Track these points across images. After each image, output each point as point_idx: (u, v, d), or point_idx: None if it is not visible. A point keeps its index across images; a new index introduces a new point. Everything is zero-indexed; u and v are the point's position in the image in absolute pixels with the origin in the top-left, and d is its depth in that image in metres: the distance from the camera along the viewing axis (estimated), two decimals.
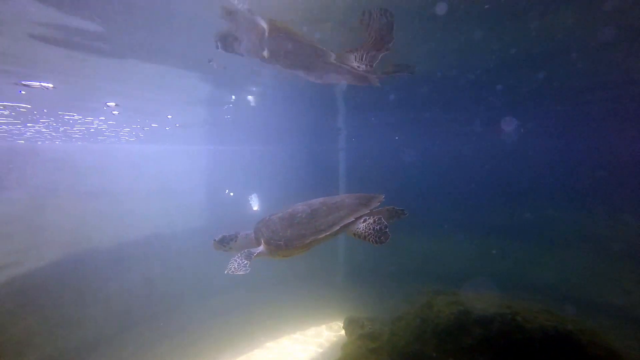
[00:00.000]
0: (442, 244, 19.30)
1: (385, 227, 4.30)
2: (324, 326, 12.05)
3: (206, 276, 12.31)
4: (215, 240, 4.57)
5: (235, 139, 27.21)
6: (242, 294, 13.26)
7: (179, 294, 13.20)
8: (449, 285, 9.73)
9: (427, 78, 9.66)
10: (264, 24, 4.15)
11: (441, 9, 4.76)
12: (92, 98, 10.49)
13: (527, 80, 10.75)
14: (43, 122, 12.68)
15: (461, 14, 5.06)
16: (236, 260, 4.13)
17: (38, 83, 8.36)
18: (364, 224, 4.39)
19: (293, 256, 4.43)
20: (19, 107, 10.26)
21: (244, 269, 4.03)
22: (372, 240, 4.25)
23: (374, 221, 4.37)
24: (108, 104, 11.32)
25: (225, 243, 4.54)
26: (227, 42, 4.24)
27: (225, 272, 4.02)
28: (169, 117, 14.66)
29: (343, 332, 10.10)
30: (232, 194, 31.48)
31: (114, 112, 11.99)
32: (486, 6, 4.80)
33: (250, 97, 11.62)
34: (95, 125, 14.61)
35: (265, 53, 4.64)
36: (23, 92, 8.90)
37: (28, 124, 13.03)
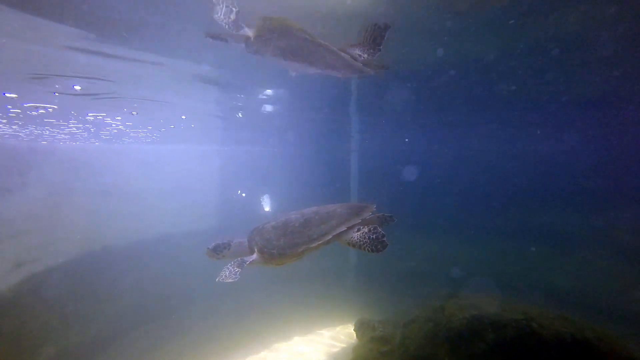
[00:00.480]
0: (456, 246, 19.06)
1: (383, 235, 4.38)
2: (334, 328, 12.03)
3: (217, 276, 12.43)
4: (208, 248, 4.58)
5: (248, 140, 27.44)
6: (254, 294, 13.34)
7: (190, 292, 13.35)
8: (461, 288, 9.61)
9: (440, 76, 9.57)
10: (250, 33, 4.18)
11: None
12: (115, 102, 10.81)
13: (546, 83, 10.54)
14: (72, 124, 13.01)
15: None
16: (228, 269, 4.22)
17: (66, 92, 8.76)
18: (358, 233, 4.48)
19: (286, 264, 4.51)
20: (49, 107, 10.53)
21: (233, 276, 4.13)
22: (368, 249, 4.34)
23: (369, 230, 4.46)
24: (132, 109, 11.71)
25: (219, 251, 4.57)
26: (214, 38, 4.28)
27: (217, 279, 4.11)
28: (183, 117, 14.88)
29: (354, 334, 10.06)
30: (244, 194, 31.71)
31: (132, 113, 12.24)
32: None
33: (266, 105, 11.71)
34: (115, 127, 14.94)
35: (254, 49, 4.67)
36: (56, 94, 9.15)
37: (61, 126, 13.40)
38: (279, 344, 11.35)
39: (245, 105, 12.64)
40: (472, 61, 8.20)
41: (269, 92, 10.63)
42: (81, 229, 15.87)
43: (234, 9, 3.82)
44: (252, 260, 4.40)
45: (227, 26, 3.92)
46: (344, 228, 4.47)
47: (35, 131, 13.79)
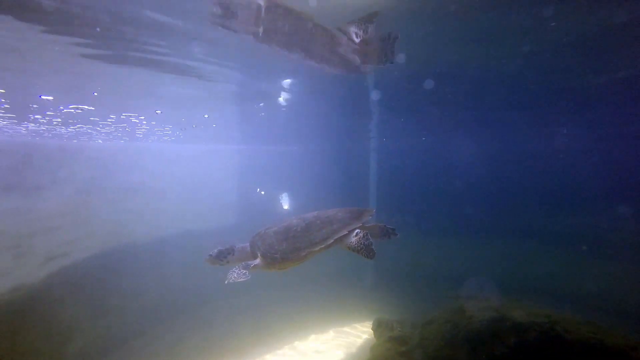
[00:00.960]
0: (478, 247, 18.64)
1: (371, 243, 4.46)
2: (352, 327, 11.99)
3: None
4: (211, 255, 4.60)
5: (268, 139, 27.70)
6: (272, 291, 13.47)
7: (210, 289, 13.61)
8: (482, 290, 9.39)
9: (462, 75, 9.38)
10: (260, 1, 4.24)
11: None
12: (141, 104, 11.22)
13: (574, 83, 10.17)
14: (104, 123, 13.51)
15: None
16: (235, 271, 4.30)
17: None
18: (356, 238, 4.54)
19: (288, 269, 4.57)
20: (86, 108, 10.96)
21: (244, 276, 4.20)
22: (363, 255, 4.41)
23: (364, 236, 4.53)
24: (156, 111, 12.11)
25: (222, 257, 4.61)
26: (224, 8, 4.33)
27: (226, 282, 4.17)
28: (206, 116, 15.19)
29: (372, 333, 10.01)
30: (263, 192, 32.05)
31: (157, 112, 12.60)
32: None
33: (281, 99, 11.78)
34: (141, 126, 15.41)
35: (260, 30, 4.72)
36: (96, 94, 9.50)
37: (98, 126, 13.95)
38: (297, 342, 11.41)
39: (265, 103, 12.77)
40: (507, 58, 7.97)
41: (286, 84, 10.66)
42: (107, 225, 16.43)
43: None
44: (255, 265, 4.46)
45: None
46: (345, 232, 4.56)
47: (69, 130, 14.36)
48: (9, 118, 11.31)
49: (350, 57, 6.21)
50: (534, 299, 9.29)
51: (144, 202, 19.62)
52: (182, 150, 26.86)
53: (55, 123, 12.62)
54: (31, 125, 12.97)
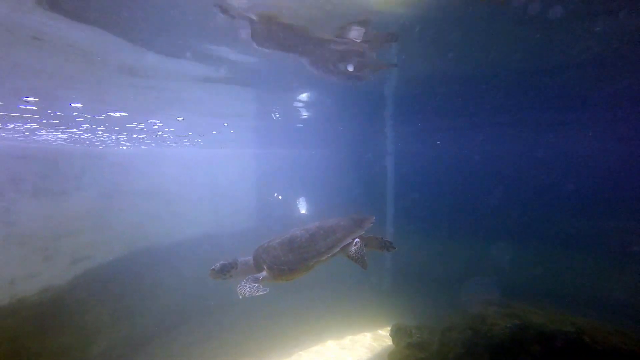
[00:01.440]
0: (500, 252, 18.17)
1: (364, 254, 4.57)
2: (369, 332, 11.89)
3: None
4: (214, 269, 4.55)
5: (284, 144, 27.84)
6: (289, 296, 13.49)
7: (227, 292, 13.74)
8: (503, 296, 9.14)
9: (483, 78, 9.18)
10: (253, 16, 4.35)
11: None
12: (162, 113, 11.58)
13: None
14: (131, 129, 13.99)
15: None
16: (246, 285, 4.31)
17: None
18: (355, 247, 4.62)
19: (295, 279, 4.60)
20: (119, 114, 11.36)
21: (262, 290, 4.23)
22: (359, 265, 4.50)
23: (360, 246, 4.63)
24: (178, 118, 12.47)
25: (225, 271, 4.59)
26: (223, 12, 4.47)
27: (240, 297, 4.17)
28: (225, 124, 15.44)
29: (390, 339, 9.89)
30: (280, 197, 32.22)
31: (178, 119, 12.90)
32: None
33: (299, 105, 11.89)
34: (160, 134, 15.81)
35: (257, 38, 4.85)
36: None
37: (120, 133, 14.46)
38: (314, 346, 11.40)
39: (280, 110, 12.89)
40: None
41: (303, 96, 10.77)
42: (128, 228, 16.87)
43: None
44: (263, 277, 4.47)
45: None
46: (350, 240, 4.63)
47: (96, 136, 14.85)
48: (50, 125, 11.76)
49: (349, 64, 6.28)
50: (559, 305, 8.96)
51: (163, 206, 20.04)
52: (201, 155, 27.33)
53: (86, 129, 13.07)
54: (61, 133, 13.46)
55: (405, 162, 40.80)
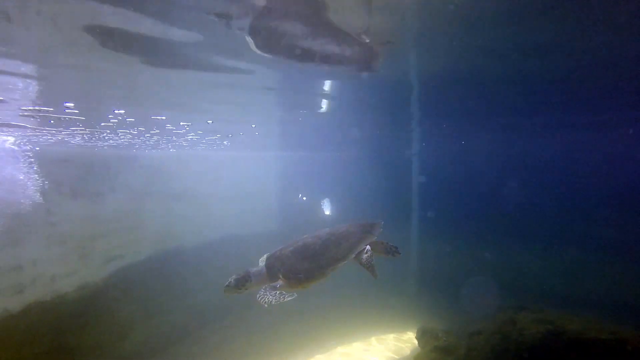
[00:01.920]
0: (531, 256, 17.51)
1: (374, 262, 4.55)
2: (395, 335, 11.77)
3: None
4: (229, 285, 4.44)
5: (308, 146, 27.97)
6: (314, 298, 13.52)
7: (252, 293, 13.94)
8: (535, 301, 8.79)
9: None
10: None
11: None
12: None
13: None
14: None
15: None
16: (266, 293, 4.26)
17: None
18: (366, 255, 4.57)
19: (311, 286, 4.55)
20: (160, 118, 11.89)
21: (288, 295, 4.22)
22: (371, 273, 4.47)
23: (371, 254, 4.59)
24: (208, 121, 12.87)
25: (241, 285, 4.47)
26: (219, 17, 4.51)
27: (266, 306, 4.13)
28: (253, 126, 15.72)
29: (416, 342, 9.76)
30: (304, 198, 32.36)
31: (208, 122, 13.28)
32: None
33: (323, 105, 11.95)
34: (191, 136, 16.31)
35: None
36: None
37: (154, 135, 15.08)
38: (340, 347, 11.40)
39: (305, 111, 13.00)
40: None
41: (325, 92, 10.80)
42: (158, 228, 17.46)
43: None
44: (280, 286, 4.41)
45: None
46: (364, 245, 4.58)
47: (133, 140, 15.51)
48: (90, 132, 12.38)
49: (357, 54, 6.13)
50: (595, 313, 8.51)
51: (191, 207, 20.59)
52: (227, 157, 27.87)
53: (127, 134, 13.66)
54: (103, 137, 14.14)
55: (431, 162, 40.05)
